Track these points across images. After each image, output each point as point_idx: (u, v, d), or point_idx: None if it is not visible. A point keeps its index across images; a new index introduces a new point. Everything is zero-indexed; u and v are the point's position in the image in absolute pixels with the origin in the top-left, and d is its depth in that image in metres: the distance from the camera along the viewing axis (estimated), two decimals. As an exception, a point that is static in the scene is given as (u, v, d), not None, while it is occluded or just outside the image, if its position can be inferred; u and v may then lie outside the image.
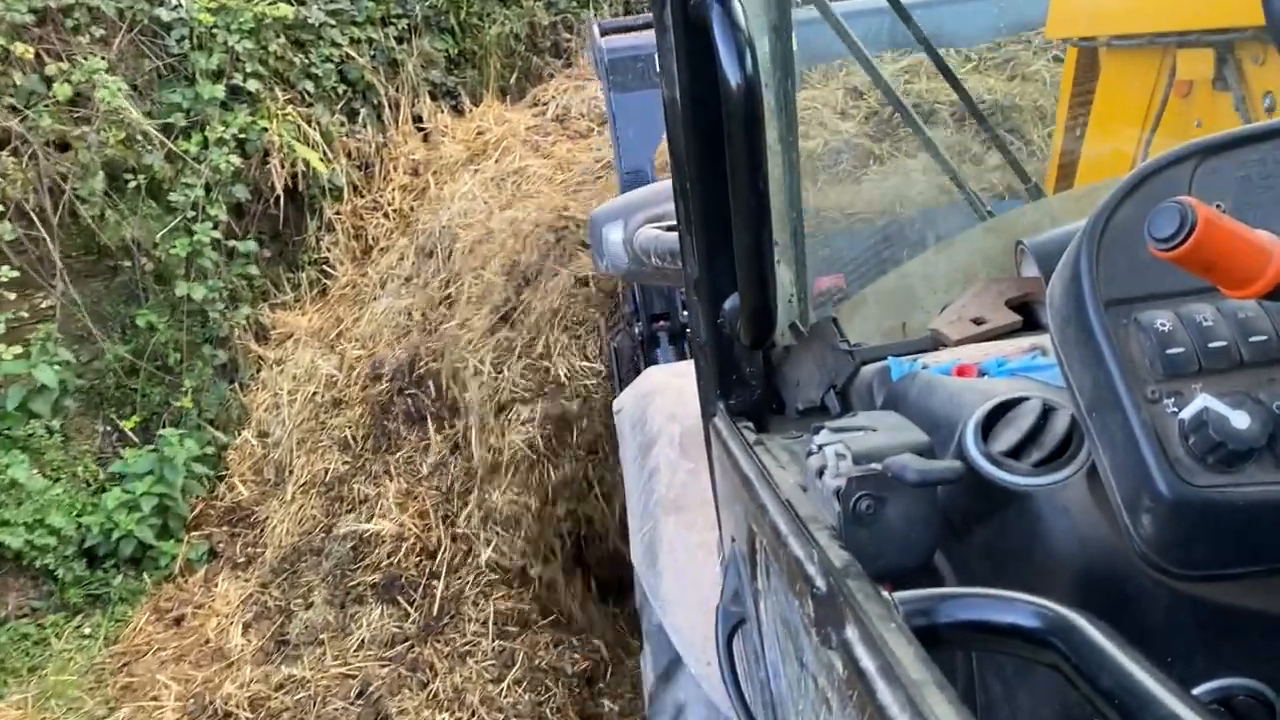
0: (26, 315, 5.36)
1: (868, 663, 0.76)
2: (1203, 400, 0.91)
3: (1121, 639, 0.78)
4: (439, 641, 4.30)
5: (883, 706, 0.71)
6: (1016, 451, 1.11)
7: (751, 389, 1.56)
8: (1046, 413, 1.13)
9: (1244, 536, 0.90)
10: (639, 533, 2.50)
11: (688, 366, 1.69)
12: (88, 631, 4.91)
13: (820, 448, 1.12)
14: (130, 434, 5.57)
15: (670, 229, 2.29)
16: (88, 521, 5.08)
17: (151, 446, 5.48)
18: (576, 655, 4.25)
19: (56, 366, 5.18)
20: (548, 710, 4.07)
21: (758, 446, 1.36)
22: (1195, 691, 0.98)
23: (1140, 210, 0.95)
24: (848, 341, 1.52)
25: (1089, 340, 0.97)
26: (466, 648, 4.28)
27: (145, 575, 5.20)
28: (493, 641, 4.25)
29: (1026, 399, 1.15)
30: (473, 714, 4.04)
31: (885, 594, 0.86)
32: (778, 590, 1.16)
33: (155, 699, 4.38)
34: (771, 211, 1.38)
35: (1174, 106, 3.09)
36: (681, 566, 2.29)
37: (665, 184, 1.82)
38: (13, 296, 5.28)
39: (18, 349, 5.12)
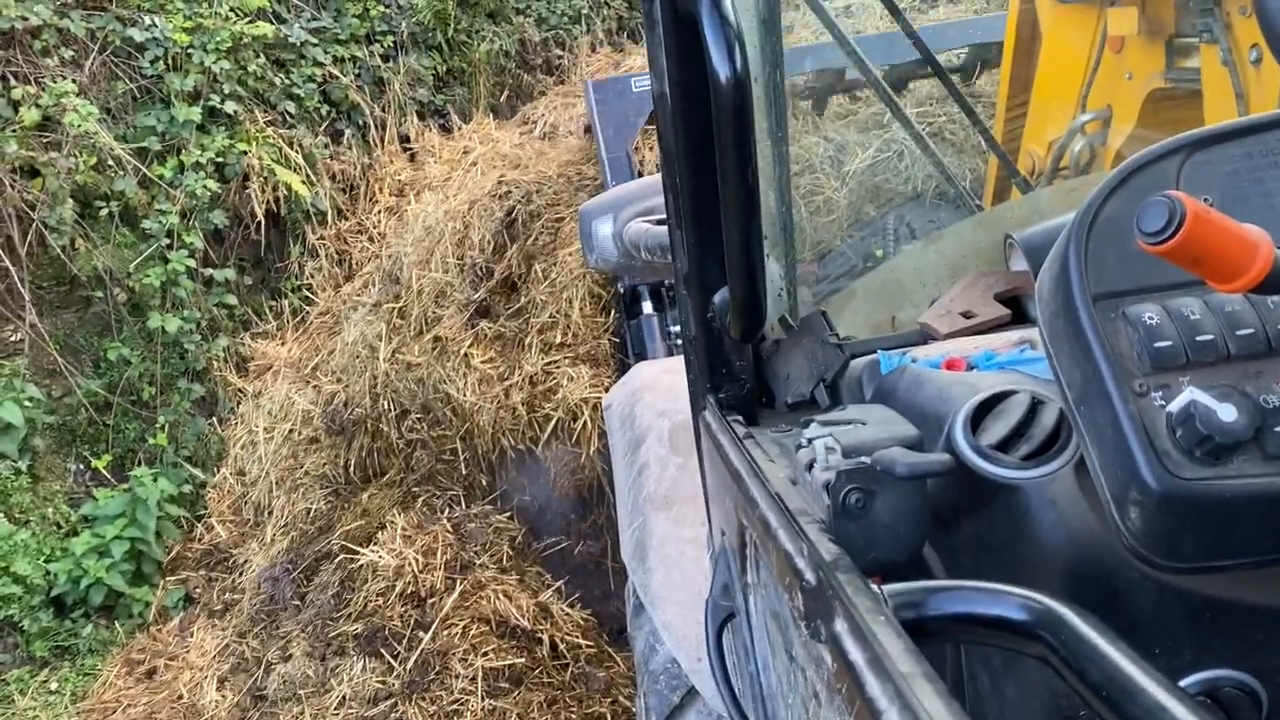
0: None
1: (857, 655, 0.76)
2: (1190, 393, 0.91)
3: (1109, 631, 0.78)
4: (424, 699, 4.00)
5: (871, 699, 0.71)
6: (1005, 445, 1.11)
7: (741, 383, 1.56)
8: (1035, 406, 1.13)
9: (1231, 529, 0.91)
10: (629, 529, 2.50)
11: (676, 363, 1.70)
12: (54, 687, 4.61)
13: (809, 441, 1.13)
14: (104, 472, 5.32)
15: (660, 223, 2.30)
16: (55, 569, 4.79)
17: (125, 486, 5.20)
18: (573, 714, 4.04)
19: (26, 404, 4.92)
20: None
21: (747, 440, 1.37)
22: (1182, 683, 0.99)
23: (1128, 204, 0.95)
24: (837, 335, 1.52)
25: (1077, 334, 0.97)
26: (454, 706, 3.98)
27: (117, 624, 4.94)
28: (482, 700, 3.95)
29: (1015, 392, 1.15)
30: None
31: (874, 587, 0.86)
32: (767, 584, 1.16)
33: None
34: (761, 206, 1.38)
35: (1108, 61, 3.20)
36: (672, 562, 2.29)
37: (655, 178, 1.82)
38: None
39: None
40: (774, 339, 1.57)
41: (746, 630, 1.41)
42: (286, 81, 6.27)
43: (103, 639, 4.84)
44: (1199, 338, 0.95)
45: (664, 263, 2.13)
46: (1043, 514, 1.06)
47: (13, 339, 5.18)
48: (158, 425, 5.46)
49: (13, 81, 5.17)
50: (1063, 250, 1.01)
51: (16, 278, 5.09)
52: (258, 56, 6.01)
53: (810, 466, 1.10)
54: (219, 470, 5.46)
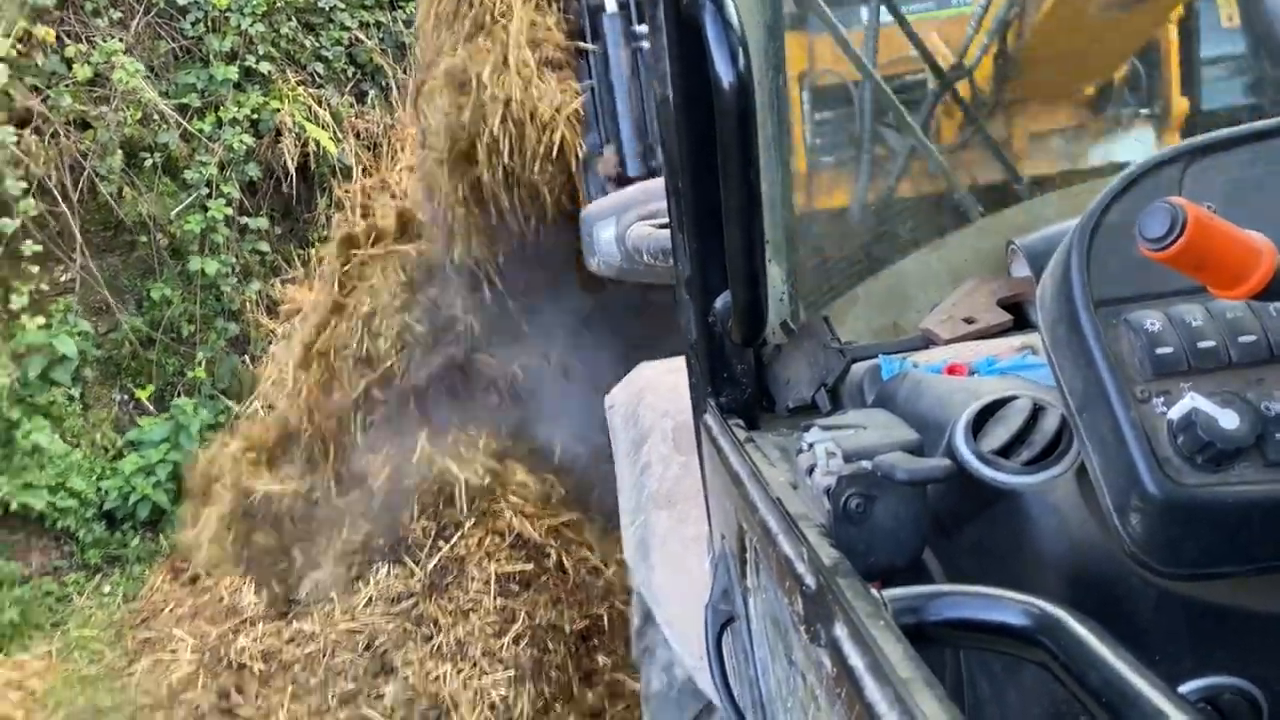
0: (47, 288, 5.57)
1: (856, 660, 0.76)
2: (1191, 400, 0.91)
3: (1110, 637, 0.78)
4: (443, 599, 4.44)
5: (871, 704, 0.71)
6: (1006, 450, 1.11)
7: (742, 387, 1.56)
8: (1036, 412, 1.13)
9: (1232, 536, 0.91)
10: (631, 527, 2.50)
11: (680, 362, 1.70)
12: (107, 590, 5.15)
13: (810, 445, 1.13)
14: (146, 403, 5.81)
15: (662, 227, 2.30)
16: (106, 486, 5.37)
17: (167, 415, 5.74)
18: (574, 614, 4.40)
19: (76, 337, 5.44)
20: (547, 663, 4.26)
21: (748, 444, 1.37)
22: (1182, 689, 0.98)
23: (1131, 210, 0.95)
24: (839, 340, 1.52)
25: (1079, 340, 0.97)
26: (469, 605, 4.41)
27: (161, 537, 5.40)
28: (494, 600, 4.40)
29: (1016, 398, 1.15)
30: (474, 665, 4.21)
31: (874, 592, 0.86)
32: (767, 588, 1.16)
33: (172, 652, 4.57)
34: (763, 210, 1.38)
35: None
36: (675, 561, 2.29)
37: (657, 182, 1.82)
38: (35, 270, 5.48)
39: (40, 320, 5.39)
40: (775, 343, 1.57)
41: (746, 634, 1.41)
42: (316, 44, 6.64)
43: (149, 549, 5.38)
44: (1201, 344, 0.95)
45: (666, 266, 2.14)
46: (1043, 520, 1.06)
47: (64, 279, 5.67)
48: (196, 360, 5.97)
49: (66, 40, 5.61)
50: (1065, 256, 1.01)
51: (70, 222, 5.57)
52: (289, 20, 6.47)
53: (811, 471, 1.10)
54: (251, 403, 5.72)
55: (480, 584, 4.44)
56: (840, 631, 0.81)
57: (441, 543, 4.56)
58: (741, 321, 1.44)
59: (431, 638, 4.34)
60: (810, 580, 0.93)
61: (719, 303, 1.50)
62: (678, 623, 2.21)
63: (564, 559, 4.53)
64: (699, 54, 1.28)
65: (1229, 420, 0.89)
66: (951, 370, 1.39)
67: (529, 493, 4.71)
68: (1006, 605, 0.85)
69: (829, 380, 1.50)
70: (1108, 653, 0.76)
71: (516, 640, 4.29)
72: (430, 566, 4.54)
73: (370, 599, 4.54)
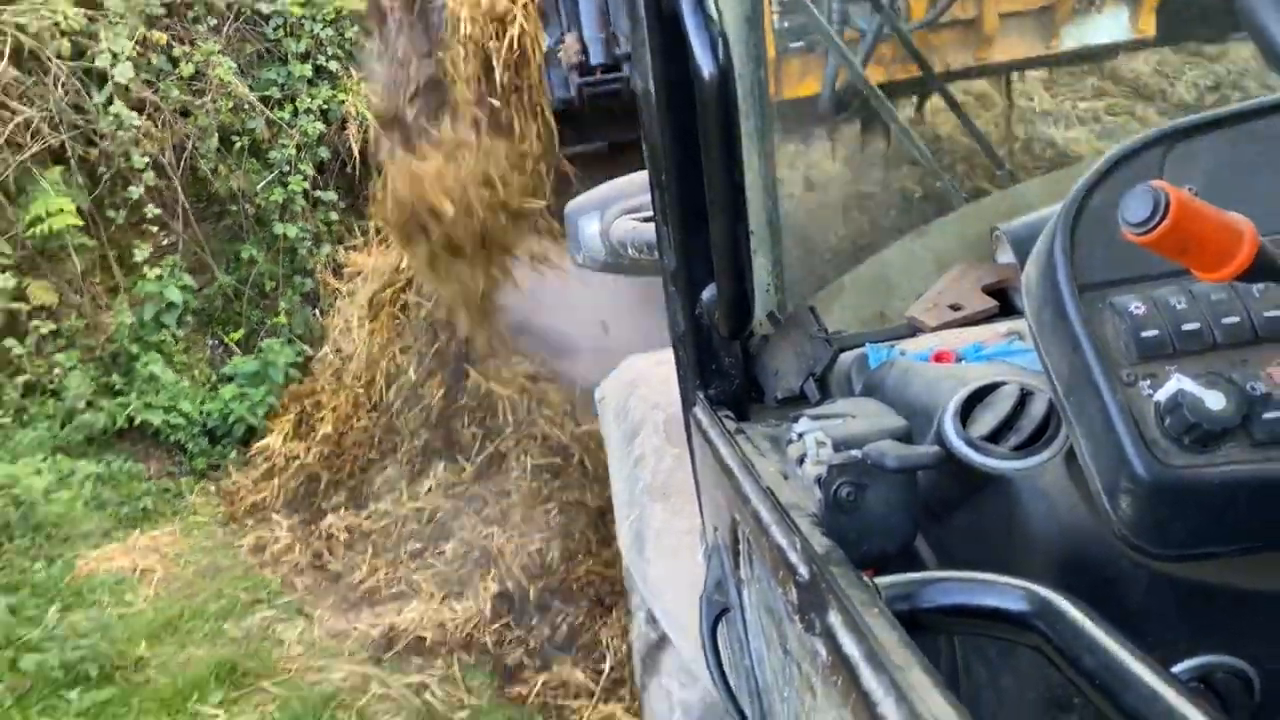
0: (152, 250, 6.86)
1: (851, 648, 0.77)
2: (1177, 382, 0.92)
3: (1102, 619, 0.79)
4: (489, 483, 5.47)
5: (867, 691, 0.72)
6: (995, 436, 1.12)
7: (731, 378, 1.57)
8: (1024, 397, 1.14)
9: (1221, 515, 0.91)
10: (626, 520, 2.50)
11: (669, 354, 1.70)
12: (211, 490, 6.32)
13: (800, 435, 1.13)
14: (234, 346, 7.07)
15: (646, 220, 2.29)
16: (209, 408, 6.57)
17: (255, 354, 6.93)
18: (593, 495, 5.19)
19: (180, 288, 6.76)
20: (573, 528, 5.16)
21: (738, 435, 1.37)
22: (1175, 669, 0.99)
23: (1113, 195, 0.95)
24: (825, 329, 1.53)
25: (1064, 324, 0.98)
26: (511, 487, 5.40)
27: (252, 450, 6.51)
28: (530, 482, 5.36)
29: (1004, 384, 1.16)
30: (515, 527, 5.19)
31: (867, 579, 0.86)
32: (761, 578, 1.16)
33: (272, 530, 5.71)
34: (747, 201, 1.38)
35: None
36: (671, 552, 2.28)
37: (641, 175, 1.81)
38: (155, 230, 6.85)
39: (156, 272, 6.72)
40: (762, 335, 1.57)
41: (741, 625, 1.41)
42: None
43: (244, 460, 6.42)
44: (1185, 326, 0.95)
45: (651, 260, 2.13)
46: (1033, 504, 1.07)
47: (167, 242, 7.01)
48: (277, 311, 7.18)
49: (173, 43, 6.95)
50: (1048, 242, 1.01)
51: (177, 193, 6.89)
52: (353, 25, 7.43)
53: (801, 461, 1.10)
54: (322, 348, 6.87)
55: (519, 472, 5.42)
56: (834, 620, 0.81)
57: (487, 444, 5.60)
58: (728, 313, 1.44)
59: (481, 510, 5.37)
60: (803, 570, 0.93)
61: (705, 295, 1.50)
62: (676, 613, 2.21)
63: (585, 458, 5.33)
64: (679, 46, 1.28)
65: (1215, 401, 0.89)
66: (938, 357, 1.40)
67: (557, 406, 5.57)
68: (999, 590, 0.85)
69: (817, 370, 1.50)
70: (1101, 635, 0.77)
71: (547, 511, 5.22)
72: (478, 461, 5.58)
73: (430, 487, 5.61)
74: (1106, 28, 4.31)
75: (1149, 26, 4.29)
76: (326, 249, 7.41)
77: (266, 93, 7.23)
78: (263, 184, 7.14)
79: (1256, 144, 1.01)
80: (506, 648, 4.73)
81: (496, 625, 4.82)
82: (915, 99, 5.24)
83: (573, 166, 4.89)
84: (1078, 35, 4.30)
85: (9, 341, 6.23)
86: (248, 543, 5.69)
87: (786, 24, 3.88)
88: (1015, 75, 6.12)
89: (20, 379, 6.25)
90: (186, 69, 6.88)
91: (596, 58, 4.42)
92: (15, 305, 6.30)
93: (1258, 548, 0.93)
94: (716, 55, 1.24)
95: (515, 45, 4.52)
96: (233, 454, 6.54)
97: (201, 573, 5.45)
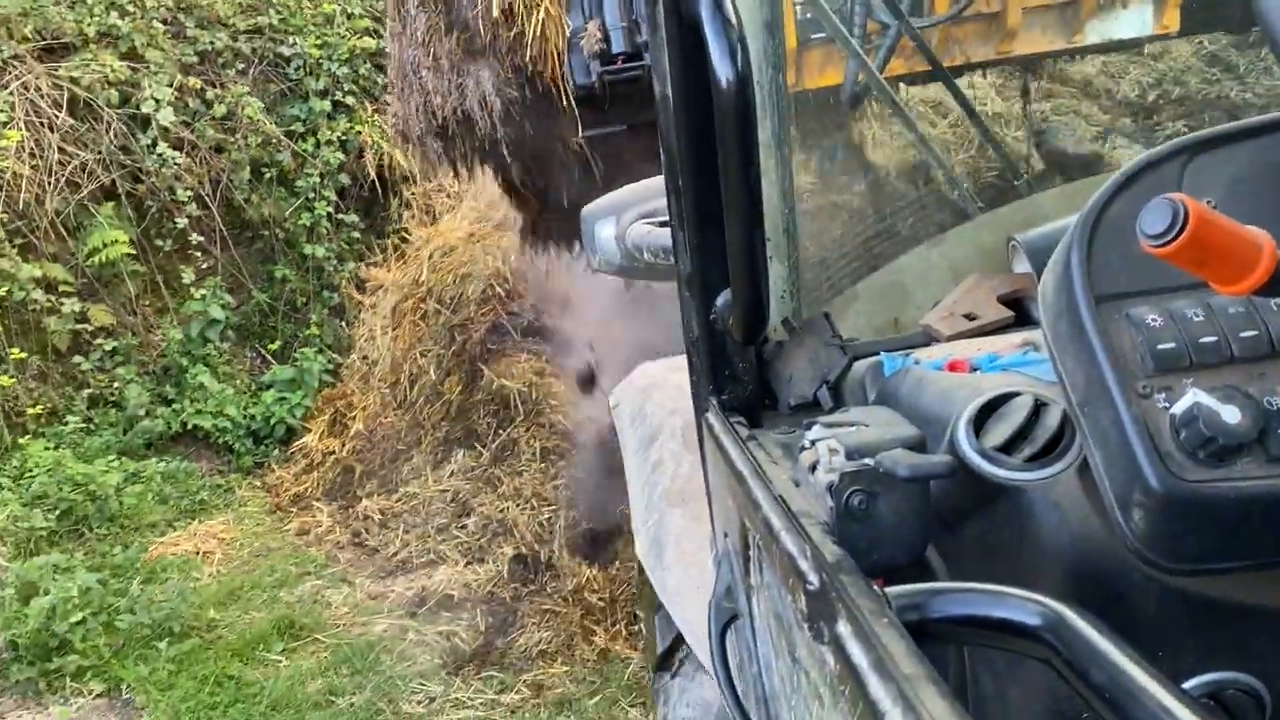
0: (195, 274, 7.65)
1: (860, 657, 0.76)
2: (1193, 395, 0.91)
3: (1113, 633, 0.78)
4: (504, 464, 6.21)
5: (875, 701, 0.71)
6: (1008, 446, 1.11)
7: (744, 384, 1.56)
8: (1038, 408, 1.13)
9: (1235, 531, 0.91)
10: (644, 526, 2.49)
11: (683, 360, 1.70)
12: (256, 484, 7.08)
13: (813, 443, 1.12)
14: (271, 357, 7.85)
15: (662, 225, 2.29)
16: (252, 412, 7.35)
17: (291, 363, 7.69)
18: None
19: (222, 306, 7.56)
20: (580, 500, 5.80)
21: (750, 442, 1.37)
22: (1186, 685, 0.98)
23: (1131, 206, 0.95)
24: (840, 337, 1.52)
25: (1081, 336, 0.97)
26: (520, 468, 6.15)
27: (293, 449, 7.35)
28: (540, 462, 6.11)
29: (1018, 394, 1.15)
30: (527, 501, 5.95)
31: (877, 589, 0.86)
32: (770, 585, 1.16)
33: (314, 516, 6.52)
34: (764, 207, 1.38)
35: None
36: (690, 558, 2.27)
37: (658, 180, 1.82)
38: (199, 255, 7.67)
39: (201, 293, 7.52)
40: (777, 341, 1.57)
41: (750, 632, 1.41)
42: (386, 80, 7.83)
43: (286, 457, 7.22)
44: (1202, 340, 0.94)
45: (666, 264, 2.13)
46: (1046, 516, 1.06)
47: (207, 265, 7.80)
48: (308, 324, 7.95)
49: (206, 87, 7.75)
50: (1066, 252, 1.01)
51: (215, 221, 7.67)
52: (365, 63, 8.33)
53: (813, 468, 1.09)
54: (350, 356, 7.75)
55: (529, 455, 6.16)
56: (843, 629, 0.81)
57: (501, 432, 6.34)
58: (742, 319, 1.44)
59: (497, 488, 6.13)
60: (813, 577, 0.93)
61: (720, 300, 1.50)
62: (696, 621, 2.19)
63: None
64: (698, 52, 1.28)
65: (1231, 415, 0.89)
66: (953, 367, 1.39)
67: (563, 396, 6.24)
68: (1010, 602, 0.85)
69: (831, 377, 1.50)
70: (1112, 649, 0.76)
71: (556, 487, 5.96)
72: (494, 447, 6.33)
73: (452, 471, 6.39)
74: (1131, 22, 4.27)
75: (1173, 21, 4.26)
76: (350, 266, 8.23)
77: (291, 127, 8.01)
78: (291, 210, 7.95)
79: (1276, 157, 1.00)
80: (523, 600, 5.43)
81: (514, 584, 5.55)
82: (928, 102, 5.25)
83: (590, 151, 5.06)
84: (1102, 30, 4.27)
85: (76, 358, 7.10)
86: (293, 527, 6.48)
87: (809, 15, 3.87)
88: (1005, 79, 6.34)
89: (86, 392, 7.13)
90: (219, 110, 7.71)
91: (618, 46, 4.46)
92: (79, 327, 7.13)
93: (1272, 564, 0.92)
94: (735, 61, 1.24)
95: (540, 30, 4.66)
96: (275, 452, 7.33)
97: (255, 553, 6.21)
